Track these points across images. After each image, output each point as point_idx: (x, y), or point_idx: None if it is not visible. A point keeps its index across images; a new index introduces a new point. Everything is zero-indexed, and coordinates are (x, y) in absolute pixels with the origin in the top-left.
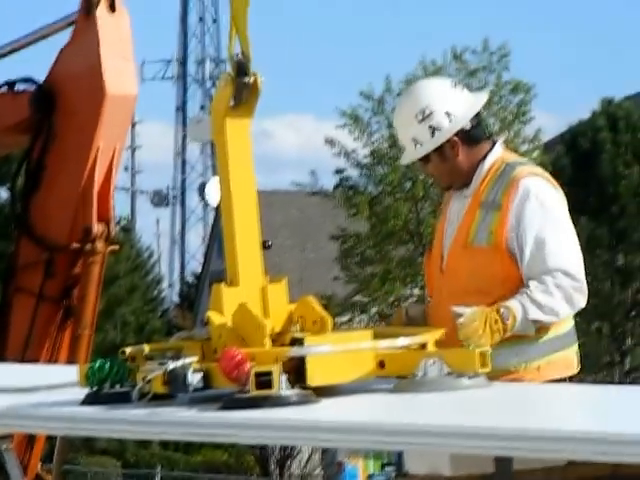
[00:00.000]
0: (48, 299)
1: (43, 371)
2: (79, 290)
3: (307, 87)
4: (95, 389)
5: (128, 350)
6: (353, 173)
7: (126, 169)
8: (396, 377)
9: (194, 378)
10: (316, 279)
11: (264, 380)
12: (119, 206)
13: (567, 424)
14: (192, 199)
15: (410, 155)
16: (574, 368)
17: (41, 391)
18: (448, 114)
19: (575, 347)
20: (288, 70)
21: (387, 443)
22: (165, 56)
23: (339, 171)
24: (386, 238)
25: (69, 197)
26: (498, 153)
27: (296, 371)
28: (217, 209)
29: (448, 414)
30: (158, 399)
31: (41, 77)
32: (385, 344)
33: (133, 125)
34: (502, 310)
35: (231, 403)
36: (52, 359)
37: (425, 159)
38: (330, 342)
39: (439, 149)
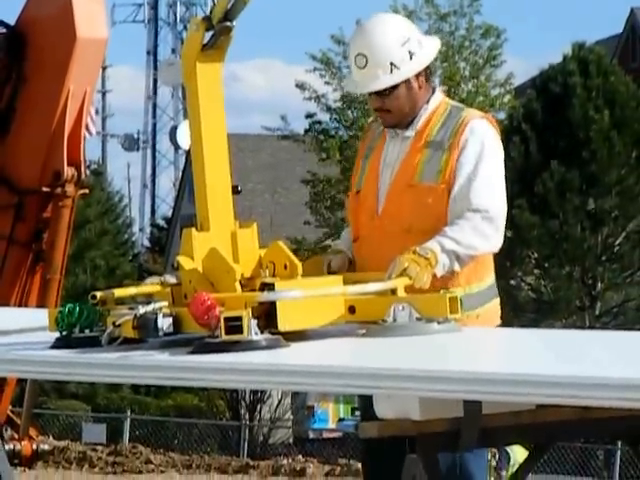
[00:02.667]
0: (18, 243)
1: (13, 314)
2: (49, 234)
3: (275, 32)
4: (65, 333)
5: (98, 294)
6: (324, 117)
7: (97, 113)
8: (366, 322)
9: (164, 323)
10: (287, 223)
11: (234, 325)
12: (90, 150)
13: (536, 368)
14: (163, 143)
15: (386, 80)
16: (499, 319)
17: (11, 334)
18: (420, 43)
19: (499, 299)
20: (256, 14)
21: (356, 387)
22: (136, 0)
23: (309, 115)
24: None
25: (39, 141)
26: (440, 97)
27: (266, 316)
28: (188, 153)
29: (417, 358)
30: (128, 344)
31: (11, 20)
32: (355, 289)
33: (104, 69)
34: (417, 249)
35: (201, 348)
36: (22, 303)
37: (387, 91)
38: (300, 287)
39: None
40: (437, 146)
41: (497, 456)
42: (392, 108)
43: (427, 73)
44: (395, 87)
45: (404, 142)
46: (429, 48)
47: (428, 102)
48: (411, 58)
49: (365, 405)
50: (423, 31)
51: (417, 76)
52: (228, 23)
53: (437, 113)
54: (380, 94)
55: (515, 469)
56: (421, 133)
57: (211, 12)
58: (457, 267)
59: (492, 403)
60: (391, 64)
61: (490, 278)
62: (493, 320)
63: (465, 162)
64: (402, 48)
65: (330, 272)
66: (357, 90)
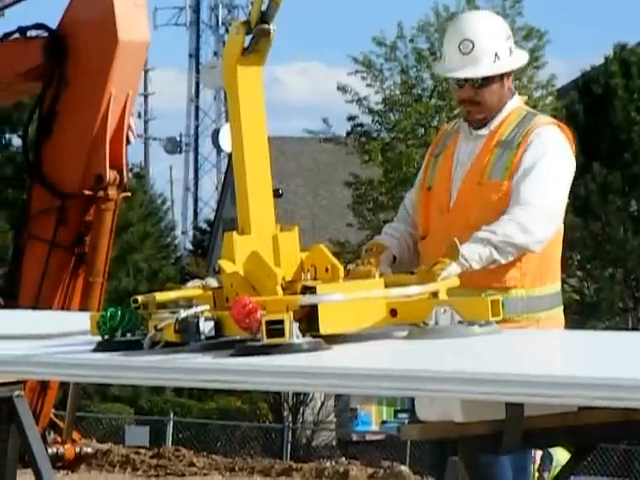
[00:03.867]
0: (61, 246)
1: (56, 318)
2: (91, 237)
3: (316, 34)
4: (107, 337)
5: (140, 298)
6: (366, 120)
7: (139, 116)
8: (408, 325)
9: (206, 326)
10: (329, 226)
11: (275, 328)
12: (132, 153)
13: (579, 370)
14: (205, 146)
15: (489, 68)
16: (563, 326)
17: (54, 338)
18: (515, 44)
19: (562, 308)
20: (296, 17)
21: (399, 389)
22: (178, 3)
23: (352, 118)
24: (399, 184)
25: (81, 144)
26: (518, 102)
27: (308, 319)
28: (230, 156)
29: (460, 360)
30: (169, 347)
31: (53, 24)
32: (397, 292)
33: (146, 72)
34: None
35: (243, 351)
36: (65, 306)
37: (489, 80)
38: (342, 290)
39: (503, 74)
40: (507, 145)
41: (539, 457)
42: (483, 101)
43: (512, 76)
44: (491, 80)
45: (477, 141)
46: (522, 53)
47: (505, 105)
48: (511, 54)
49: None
50: None
51: (508, 76)
52: (265, 25)
53: (512, 116)
54: (474, 85)
55: (557, 471)
56: (494, 133)
57: (249, 15)
58: (497, 256)
59: (534, 405)
60: (495, 54)
61: (555, 285)
62: (556, 328)
63: (525, 160)
64: (506, 42)
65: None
66: (455, 74)
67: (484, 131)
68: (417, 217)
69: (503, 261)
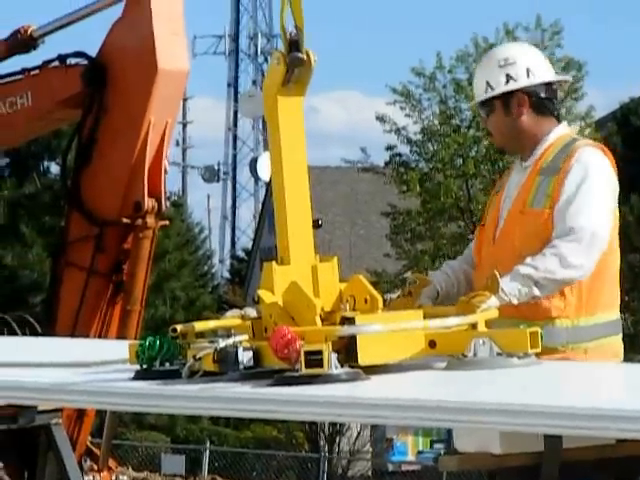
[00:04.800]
0: (98, 274)
1: (93, 346)
2: (129, 265)
3: (354, 64)
4: (145, 366)
5: (179, 327)
6: (404, 150)
7: (177, 144)
8: (447, 356)
9: (245, 356)
10: (366, 256)
11: (314, 359)
12: (170, 181)
13: (617, 403)
14: (243, 174)
15: (480, 97)
16: (620, 356)
17: (91, 366)
18: (528, 70)
19: (620, 337)
20: (334, 46)
21: (436, 420)
22: (217, 31)
23: (390, 147)
24: (437, 215)
25: (120, 172)
26: (564, 130)
27: (346, 350)
28: (268, 185)
29: (498, 392)
30: (208, 377)
31: (93, 52)
32: (436, 323)
33: (184, 100)
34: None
35: (281, 381)
36: (102, 334)
37: (491, 109)
38: (381, 321)
39: (506, 101)
40: (549, 172)
41: None
42: (491, 130)
43: (533, 101)
44: (492, 109)
45: (524, 172)
46: (537, 77)
47: (549, 134)
48: (507, 82)
49: (450, 437)
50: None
51: (518, 103)
52: (299, 54)
53: (557, 142)
54: (483, 115)
55: None
56: (538, 161)
57: None
58: (537, 292)
59: (573, 437)
60: (487, 83)
61: (607, 314)
62: (606, 358)
63: (567, 185)
64: (500, 70)
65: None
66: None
67: (529, 162)
68: (474, 253)
69: (543, 296)
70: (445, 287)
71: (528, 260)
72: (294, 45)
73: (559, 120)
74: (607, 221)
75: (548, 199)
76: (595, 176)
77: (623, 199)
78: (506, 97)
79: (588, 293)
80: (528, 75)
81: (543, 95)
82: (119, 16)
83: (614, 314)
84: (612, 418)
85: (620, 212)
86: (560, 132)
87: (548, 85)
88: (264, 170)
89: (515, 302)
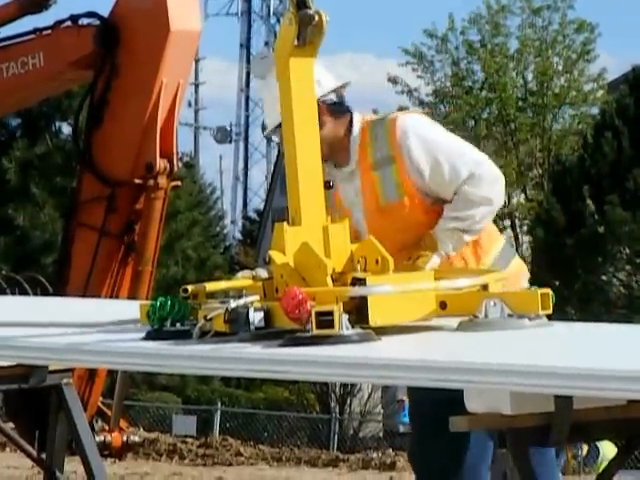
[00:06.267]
0: (110, 234)
1: (104, 306)
2: (141, 226)
3: (367, 26)
4: (156, 327)
5: (190, 288)
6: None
7: (190, 105)
8: (457, 318)
9: (255, 317)
10: None
11: (325, 320)
12: (182, 142)
13: (628, 363)
14: (255, 136)
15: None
16: (525, 271)
17: (102, 326)
18: (318, 82)
19: (517, 256)
20: (347, 8)
21: (447, 381)
22: None
23: (402, 109)
24: None
25: (132, 133)
26: (359, 119)
27: (357, 311)
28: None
29: (508, 353)
30: (219, 337)
31: (105, 12)
32: (447, 285)
33: (197, 61)
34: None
35: (292, 341)
36: (113, 294)
37: None
38: (392, 282)
39: None
40: (382, 163)
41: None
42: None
43: (332, 108)
44: None
45: (352, 177)
46: (326, 85)
47: (351, 130)
48: None
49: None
50: (515, 25)
51: (319, 111)
52: (309, 11)
53: (363, 136)
54: None
55: (604, 465)
56: (361, 160)
57: None
58: (467, 237)
59: (583, 398)
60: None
61: (496, 245)
62: (518, 281)
63: (418, 158)
64: None
65: None
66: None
67: (349, 167)
68: None
69: (474, 238)
70: None
71: (447, 214)
72: (302, 2)
73: (350, 112)
74: (476, 151)
75: (399, 188)
76: (426, 131)
77: (635, 161)
78: None
79: (474, 241)
80: (318, 85)
81: (334, 101)
82: None
83: (499, 243)
84: (624, 379)
85: (632, 174)
86: (358, 121)
87: (334, 91)
88: None
89: (453, 254)
